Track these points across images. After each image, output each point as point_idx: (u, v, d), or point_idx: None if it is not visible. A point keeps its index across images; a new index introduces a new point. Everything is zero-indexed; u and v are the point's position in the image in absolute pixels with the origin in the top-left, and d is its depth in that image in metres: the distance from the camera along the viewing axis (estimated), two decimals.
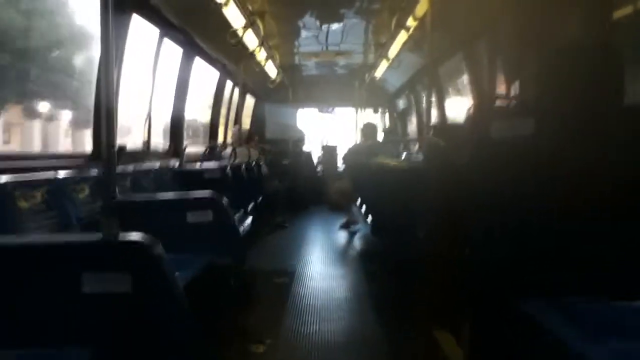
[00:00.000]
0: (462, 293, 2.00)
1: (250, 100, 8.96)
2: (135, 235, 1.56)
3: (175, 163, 4.62)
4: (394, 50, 5.64)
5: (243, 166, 5.07)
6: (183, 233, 2.71)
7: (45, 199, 2.40)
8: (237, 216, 3.91)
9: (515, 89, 2.13)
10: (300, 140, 9.30)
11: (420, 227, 2.78)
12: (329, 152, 9.61)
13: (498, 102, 2.23)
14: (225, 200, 2.89)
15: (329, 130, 10.48)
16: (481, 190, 1.86)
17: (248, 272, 4.00)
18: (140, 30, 4.02)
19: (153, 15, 3.98)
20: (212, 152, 6.22)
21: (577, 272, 1.79)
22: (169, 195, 3.42)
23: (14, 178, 2.23)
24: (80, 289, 1.49)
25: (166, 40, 4.54)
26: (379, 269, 4.61)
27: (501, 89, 3.51)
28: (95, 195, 2.80)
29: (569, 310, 1.56)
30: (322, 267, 4.81)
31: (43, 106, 3.64)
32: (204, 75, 6.21)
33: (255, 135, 7.54)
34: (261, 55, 5.88)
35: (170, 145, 5.11)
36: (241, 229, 3.18)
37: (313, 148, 10.14)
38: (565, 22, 2.89)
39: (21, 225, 2.17)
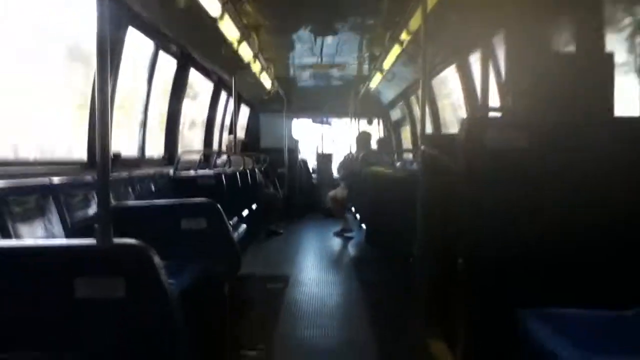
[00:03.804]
0: (456, 302, 2.01)
1: (245, 110, 8.99)
2: (129, 241, 1.56)
3: (170, 170, 4.63)
4: (388, 62, 5.70)
5: (237, 174, 5.07)
6: (177, 240, 2.71)
7: (39, 204, 2.39)
8: (231, 223, 3.91)
9: (508, 100, 2.17)
10: (294, 149, 9.32)
11: (415, 235, 2.80)
12: (324, 160, 9.64)
13: (491, 113, 2.26)
14: (219, 207, 2.89)
15: (324, 139, 10.52)
16: (475, 199, 1.88)
17: (243, 278, 4.00)
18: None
19: (148, 28, 4.01)
20: (207, 159, 6.22)
21: (572, 282, 1.81)
22: (164, 202, 3.42)
23: (8, 184, 2.23)
24: (73, 294, 1.49)
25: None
26: (372, 276, 4.63)
27: (495, 100, 3.55)
28: (89, 202, 2.80)
29: (564, 321, 1.57)
30: (316, 273, 4.82)
31: None
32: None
33: (248, 145, 7.56)
34: (256, 67, 5.91)
35: (165, 153, 5.11)
36: (235, 235, 3.19)
37: (308, 156, 10.16)
38: (559, 32, 2.94)
39: (15, 230, 2.16)
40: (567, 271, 1.82)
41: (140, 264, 1.53)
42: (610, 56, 2.00)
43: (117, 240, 1.54)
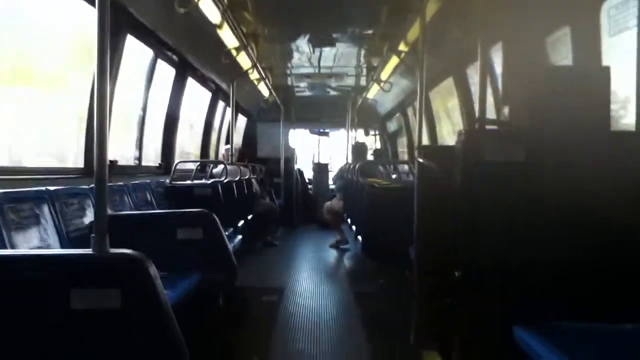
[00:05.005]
0: (452, 315, 2.00)
1: (242, 119, 9.00)
2: (125, 251, 1.55)
3: (166, 179, 4.61)
4: (385, 73, 5.72)
5: (234, 184, 5.06)
6: (173, 250, 2.69)
7: (35, 212, 2.38)
8: (227, 234, 3.90)
9: (505, 112, 2.17)
10: (291, 159, 9.32)
11: (412, 247, 2.79)
12: (321, 170, 9.63)
13: (489, 126, 2.26)
14: (215, 217, 2.88)
15: (320, 149, 10.52)
16: (472, 211, 1.88)
17: (238, 289, 3.97)
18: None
19: (147, 36, 4.02)
20: (204, 169, 6.21)
21: (570, 296, 1.80)
22: (160, 211, 3.40)
23: (4, 191, 2.22)
24: (68, 305, 1.47)
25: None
26: (368, 288, 4.60)
27: (493, 112, 3.57)
28: (85, 210, 2.79)
29: (562, 335, 1.57)
30: (311, 285, 4.79)
31: None
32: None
33: (246, 154, 7.55)
34: (254, 75, 5.92)
35: (161, 162, 5.10)
36: (231, 246, 3.17)
37: (305, 166, 10.16)
38: (556, 45, 2.96)
39: (10, 238, 2.14)
40: (565, 285, 1.82)
41: (137, 274, 1.52)
42: (607, 69, 2.01)
43: (114, 250, 1.53)
